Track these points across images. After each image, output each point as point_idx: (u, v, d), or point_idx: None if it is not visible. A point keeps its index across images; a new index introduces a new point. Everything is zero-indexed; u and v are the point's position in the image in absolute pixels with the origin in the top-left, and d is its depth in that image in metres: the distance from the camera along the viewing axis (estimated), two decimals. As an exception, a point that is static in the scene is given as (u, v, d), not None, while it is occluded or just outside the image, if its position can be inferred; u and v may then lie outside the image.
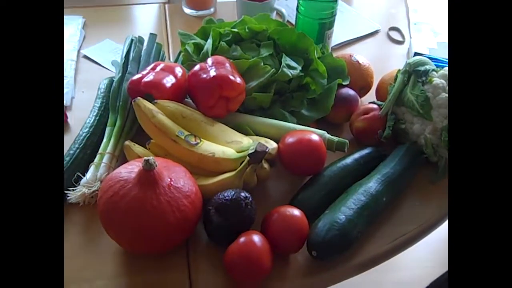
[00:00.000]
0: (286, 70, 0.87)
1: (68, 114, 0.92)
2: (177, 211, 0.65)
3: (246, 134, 0.82)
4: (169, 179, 0.67)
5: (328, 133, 0.82)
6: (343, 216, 0.69)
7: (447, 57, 1.06)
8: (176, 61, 0.99)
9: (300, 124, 0.86)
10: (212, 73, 0.80)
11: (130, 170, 0.67)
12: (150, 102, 0.79)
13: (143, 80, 0.81)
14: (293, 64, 0.89)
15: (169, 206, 0.65)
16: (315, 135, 0.78)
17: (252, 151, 0.71)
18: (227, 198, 0.68)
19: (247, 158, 0.71)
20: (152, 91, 0.81)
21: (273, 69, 0.86)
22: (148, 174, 0.65)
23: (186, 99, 0.88)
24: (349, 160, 0.80)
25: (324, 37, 1.01)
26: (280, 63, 0.88)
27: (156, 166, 0.65)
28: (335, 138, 0.81)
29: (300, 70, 0.89)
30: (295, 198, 0.76)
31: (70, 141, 0.82)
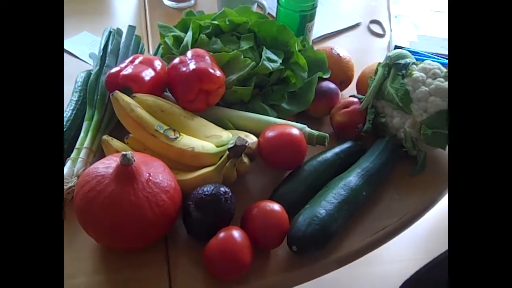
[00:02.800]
0: (266, 63, 0.86)
1: (45, 107, 0.90)
2: (155, 206, 0.64)
3: (226, 128, 0.81)
4: (147, 174, 0.66)
5: (309, 127, 0.82)
6: (323, 211, 0.69)
7: (427, 50, 1.06)
8: (155, 54, 0.98)
9: (280, 118, 0.85)
10: (192, 66, 0.79)
11: (107, 165, 0.66)
12: (129, 95, 0.77)
13: (121, 73, 0.80)
14: (273, 57, 0.88)
15: (147, 201, 0.64)
16: (295, 129, 0.78)
17: (232, 145, 0.70)
18: (206, 193, 0.68)
19: (227, 152, 0.71)
20: (131, 85, 0.79)
21: (253, 62, 0.85)
22: (125, 169, 0.64)
23: (165, 93, 0.86)
24: (329, 154, 0.80)
25: (305, 30, 1.00)
26: (261, 56, 0.88)
27: (134, 161, 0.64)
28: (316, 132, 0.81)
29: (280, 63, 0.88)
30: (275, 192, 0.75)
31: None
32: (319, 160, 0.79)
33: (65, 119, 0.82)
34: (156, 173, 0.67)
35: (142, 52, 1.00)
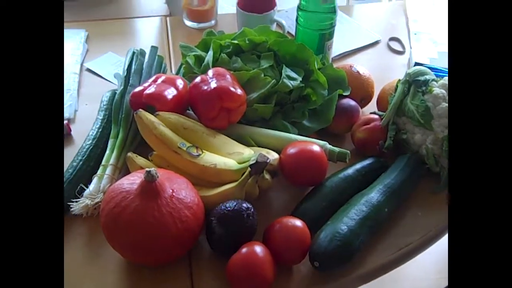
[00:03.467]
0: (286, 81, 0.87)
1: (72, 126, 0.92)
2: (179, 222, 0.65)
3: (248, 145, 0.82)
4: (171, 190, 0.67)
5: (330, 144, 0.82)
6: (345, 227, 0.69)
7: (447, 67, 1.06)
8: (177, 73, 1.00)
9: (301, 135, 0.86)
10: (213, 84, 0.81)
11: (132, 181, 0.68)
12: (152, 114, 0.79)
13: (144, 92, 0.82)
14: (293, 75, 0.89)
15: (171, 217, 0.65)
16: (316, 145, 0.79)
17: (253, 162, 0.71)
18: (228, 209, 0.68)
19: (248, 169, 0.72)
20: (154, 103, 0.81)
21: (274, 80, 0.86)
22: (150, 185, 0.65)
23: (187, 111, 0.88)
24: (350, 170, 0.81)
25: (324, 48, 1.02)
26: (281, 74, 0.89)
27: (157, 177, 0.65)
28: (336, 149, 0.81)
29: (300, 81, 0.89)
30: (297, 209, 0.76)
31: (74, 153, 0.82)
32: (340, 177, 0.79)
33: (91, 137, 0.84)
34: (179, 189, 0.68)
35: (164, 72, 1.02)
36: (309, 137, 0.85)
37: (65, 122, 0.92)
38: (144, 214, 0.64)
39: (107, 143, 0.84)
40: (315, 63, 0.92)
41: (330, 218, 0.73)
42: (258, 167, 0.71)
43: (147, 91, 0.82)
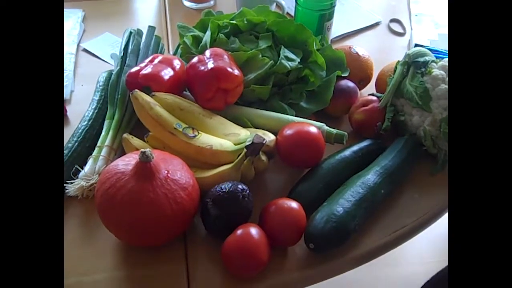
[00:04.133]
0: (284, 62, 0.86)
1: (67, 107, 0.92)
2: (174, 203, 0.65)
3: (245, 126, 0.82)
4: (166, 172, 0.66)
5: (327, 126, 0.82)
6: (341, 209, 0.69)
7: (447, 49, 1.05)
8: (175, 54, 0.99)
9: (298, 117, 0.85)
10: (210, 65, 0.80)
11: (127, 162, 0.67)
12: (148, 94, 0.79)
13: (141, 73, 0.81)
14: (291, 56, 0.88)
15: (166, 198, 0.65)
16: (313, 127, 0.78)
17: (249, 143, 0.71)
18: (224, 190, 0.68)
19: (244, 150, 0.71)
20: (150, 84, 0.80)
21: (272, 61, 0.85)
22: (144, 166, 0.65)
23: (184, 92, 0.87)
24: (347, 152, 0.80)
25: (324, 29, 1.00)
26: (279, 55, 0.88)
27: (153, 158, 0.65)
28: (334, 130, 0.81)
29: (298, 62, 0.88)
30: (293, 190, 0.75)
31: (69, 135, 0.82)
32: (337, 159, 0.79)
33: (87, 118, 0.84)
34: (174, 171, 0.68)
35: (162, 52, 1.01)
36: (306, 118, 0.85)
37: (61, 103, 0.91)
38: (139, 195, 0.64)
39: (103, 124, 0.84)
40: (313, 44, 0.91)
41: (326, 200, 0.72)
42: (254, 148, 0.71)
43: (144, 72, 0.81)
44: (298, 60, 0.89)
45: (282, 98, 0.89)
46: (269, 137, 0.77)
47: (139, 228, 0.65)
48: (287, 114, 0.85)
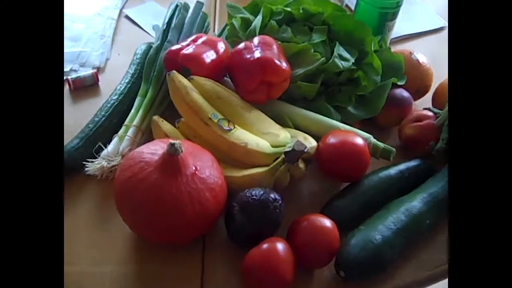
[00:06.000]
0: (337, 61, 0.78)
1: (100, 76, 0.86)
2: (197, 204, 0.59)
3: (285, 125, 0.75)
4: (193, 168, 0.60)
5: (374, 137, 0.74)
6: (380, 236, 0.62)
7: None
8: (220, 35, 0.92)
9: (344, 122, 0.78)
10: (257, 54, 0.73)
11: (153, 151, 0.61)
12: (186, 77, 0.72)
13: (182, 52, 0.75)
14: (346, 55, 0.80)
15: (189, 197, 0.59)
16: (360, 138, 0.70)
17: (289, 149, 0.64)
18: (254, 197, 0.62)
19: (283, 156, 0.64)
20: (190, 65, 0.74)
21: (323, 58, 0.78)
22: (171, 159, 0.59)
23: (225, 78, 0.81)
24: (393, 170, 0.72)
25: (385, 29, 0.92)
26: (332, 52, 0.80)
27: (181, 151, 0.59)
28: (381, 144, 0.73)
29: (352, 63, 0.80)
30: (328, 205, 0.69)
31: (98, 106, 0.77)
32: (381, 176, 0.71)
33: (118, 92, 0.78)
34: (203, 168, 0.61)
35: (206, 32, 0.94)
36: (352, 125, 0.77)
37: (93, 70, 0.86)
38: (161, 190, 0.58)
39: (134, 101, 0.78)
40: (371, 45, 0.82)
41: (363, 221, 0.65)
42: (294, 155, 0.64)
43: (185, 51, 0.75)
44: (353, 60, 0.81)
45: (328, 99, 0.81)
46: (311, 143, 0.70)
47: (156, 225, 0.60)
48: (332, 118, 0.78)
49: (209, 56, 0.75)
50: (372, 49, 0.83)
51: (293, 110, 0.78)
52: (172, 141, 0.58)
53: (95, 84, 0.85)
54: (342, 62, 0.79)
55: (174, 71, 0.71)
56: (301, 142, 0.64)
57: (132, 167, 0.60)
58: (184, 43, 0.77)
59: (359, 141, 0.70)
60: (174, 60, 0.75)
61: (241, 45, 0.75)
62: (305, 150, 0.64)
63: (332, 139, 0.70)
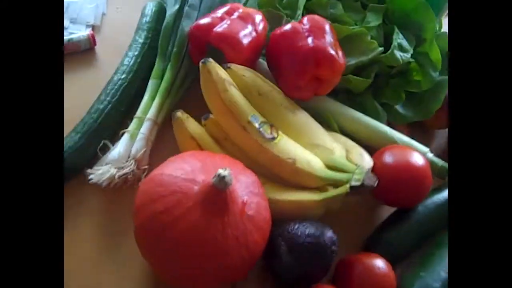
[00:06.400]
0: (396, 52, 0.65)
1: (97, 37, 0.68)
2: (244, 249, 0.47)
3: (330, 127, 0.63)
4: (241, 201, 0.48)
5: (428, 148, 0.64)
6: (438, 285, 0.53)
7: None
8: (246, 3, 0.73)
9: (390, 123, 0.67)
10: (310, 42, 0.58)
11: (190, 173, 0.48)
12: (219, 63, 0.57)
13: (215, 30, 0.59)
14: (405, 44, 0.67)
15: (236, 243, 0.47)
16: (419, 155, 0.59)
17: (358, 183, 0.52)
18: (308, 240, 0.50)
19: (346, 187, 0.53)
20: (225, 49, 0.59)
21: (381, 48, 0.64)
22: (218, 195, 0.46)
23: (260, 60, 0.66)
24: (450, 193, 0.63)
25: (442, 10, 0.77)
26: (385, 37, 0.67)
27: (231, 183, 0.46)
28: (439, 161, 0.63)
29: (411, 55, 0.67)
30: (377, 237, 0.59)
31: (96, 82, 0.61)
32: (436, 202, 0.61)
33: (125, 69, 0.62)
34: (251, 199, 0.49)
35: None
36: (398, 127, 0.66)
37: (88, 31, 0.68)
38: (203, 233, 0.46)
39: (146, 82, 0.62)
40: (433, 32, 0.69)
41: (418, 257, 0.57)
42: (361, 189, 0.52)
43: (219, 29, 0.59)
44: (411, 51, 0.67)
45: (375, 94, 0.69)
46: (368, 163, 0.58)
47: (189, 271, 0.47)
48: (380, 118, 0.67)
49: (247, 36, 0.60)
50: (433, 38, 0.69)
51: (337, 108, 0.65)
52: (221, 172, 0.45)
53: (92, 48, 0.68)
54: (402, 54, 0.66)
55: (211, 60, 0.55)
56: (372, 175, 0.53)
57: (165, 198, 0.47)
58: (216, 15, 0.61)
59: (420, 160, 0.59)
60: (204, 38, 0.59)
61: (288, 27, 0.60)
62: (375, 185, 0.52)
63: (388, 158, 0.59)
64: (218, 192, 0.46)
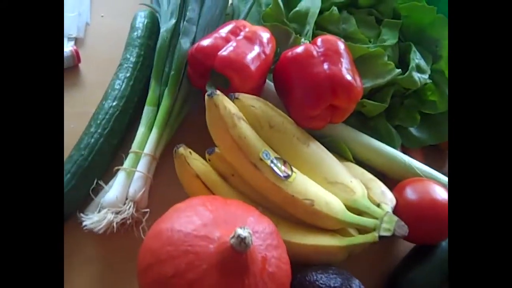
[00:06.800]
0: (415, 75, 0.60)
1: (81, 52, 0.61)
2: (266, 313, 0.42)
3: (344, 156, 0.58)
4: (261, 258, 0.42)
5: (435, 167, 0.60)
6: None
7: None
8: (246, 16, 0.66)
9: (404, 147, 0.62)
10: (326, 68, 0.52)
11: (202, 230, 0.42)
12: (223, 91, 0.51)
13: (220, 54, 0.52)
14: (423, 64, 0.62)
15: (258, 306, 0.41)
16: (441, 189, 0.55)
17: (388, 234, 0.47)
18: (333, 292, 0.45)
19: (375, 236, 0.48)
20: (231, 75, 0.52)
21: (399, 70, 0.59)
22: (237, 258, 0.40)
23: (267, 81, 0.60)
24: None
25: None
26: (400, 55, 0.62)
27: (251, 244, 0.40)
28: (460, 192, 0.58)
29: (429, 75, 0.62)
30: (404, 277, 0.54)
31: (82, 105, 0.54)
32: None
33: (117, 94, 0.55)
34: (271, 254, 0.43)
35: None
36: (412, 153, 0.62)
37: (72, 47, 0.60)
38: (221, 300, 0.40)
39: (140, 107, 0.55)
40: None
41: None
42: (389, 238, 0.48)
43: (224, 52, 0.52)
44: (429, 72, 0.62)
45: (388, 116, 0.64)
46: (392, 201, 0.53)
47: None
48: (394, 143, 0.62)
49: (255, 60, 0.54)
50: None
51: (350, 135, 0.60)
52: (241, 232, 0.39)
53: (75, 66, 0.60)
54: (420, 75, 0.61)
55: (219, 93, 0.49)
56: (403, 224, 0.48)
57: (175, 260, 0.41)
58: (220, 35, 0.54)
59: (443, 195, 0.54)
60: (208, 62, 0.53)
61: (300, 50, 0.54)
62: (406, 233, 0.48)
63: (410, 194, 0.54)
64: (237, 254, 0.40)
